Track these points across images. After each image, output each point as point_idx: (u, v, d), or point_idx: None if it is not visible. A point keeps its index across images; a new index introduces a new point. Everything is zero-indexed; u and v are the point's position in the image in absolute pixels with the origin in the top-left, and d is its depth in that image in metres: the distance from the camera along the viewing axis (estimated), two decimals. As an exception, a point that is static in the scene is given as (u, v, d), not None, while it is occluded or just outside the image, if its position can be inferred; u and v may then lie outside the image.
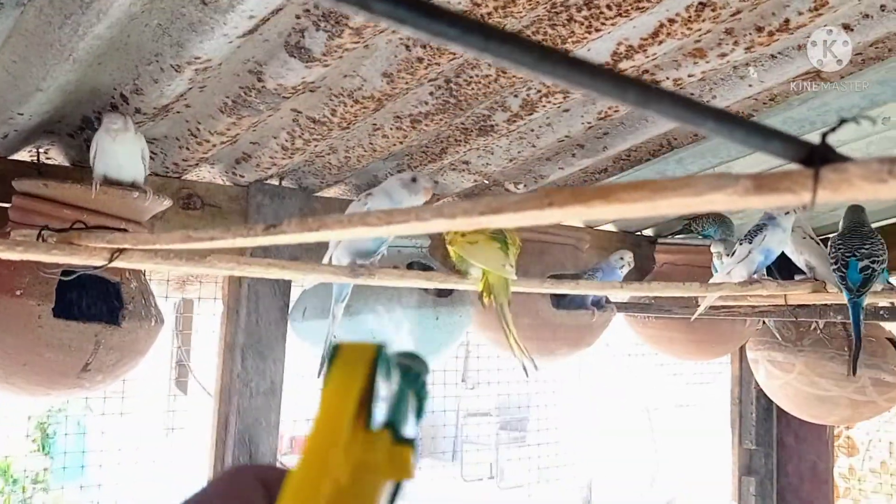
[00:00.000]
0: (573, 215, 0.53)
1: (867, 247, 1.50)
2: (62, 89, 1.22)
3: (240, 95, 1.31)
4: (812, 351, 2.24)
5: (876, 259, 1.49)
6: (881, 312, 1.70)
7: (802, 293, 1.64)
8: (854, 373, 1.65)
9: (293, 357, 1.73)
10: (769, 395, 2.41)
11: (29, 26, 1.07)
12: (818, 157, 0.46)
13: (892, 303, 1.67)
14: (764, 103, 1.63)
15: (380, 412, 0.27)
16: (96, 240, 0.82)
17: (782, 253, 1.80)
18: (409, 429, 0.29)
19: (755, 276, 1.60)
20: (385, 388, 0.28)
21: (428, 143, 1.66)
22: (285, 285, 1.69)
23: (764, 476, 2.66)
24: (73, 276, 1.14)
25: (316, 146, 1.53)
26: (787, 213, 1.58)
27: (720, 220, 2.17)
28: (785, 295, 1.67)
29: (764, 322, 2.28)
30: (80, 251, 0.82)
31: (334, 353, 0.28)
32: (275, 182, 1.72)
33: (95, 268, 0.86)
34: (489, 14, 1.13)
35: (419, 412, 0.30)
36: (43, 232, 0.85)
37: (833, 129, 0.48)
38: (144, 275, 1.33)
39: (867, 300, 1.53)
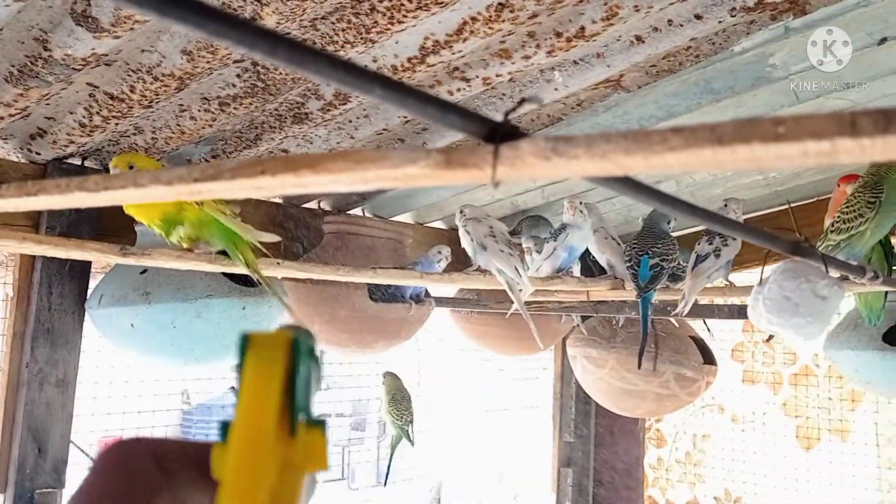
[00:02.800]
0: (285, 185, 0.53)
1: (659, 246, 1.61)
2: None
3: (26, 65, 1.23)
4: (623, 347, 2.37)
5: (666, 258, 1.60)
6: (668, 308, 1.82)
7: (602, 290, 1.73)
8: (640, 366, 1.76)
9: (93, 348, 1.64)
10: (585, 390, 2.52)
11: None
12: (499, 135, 0.48)
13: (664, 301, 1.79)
14: (573, 108, 1.70)
15: (299, 401, 0.27)
16: None
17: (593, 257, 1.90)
18: (315, 409, 0.29)
19: (561, 272, 1.68)
20: (301, 376, 0.27)
21: (242, 129, 1.62)
22: (83, 270, 1.60)
23: (581, 467, 2.79)
24: None
25: (117, 124, 1.46)
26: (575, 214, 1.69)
27: (537, 221, 2.26)
28: (587, 291, 1.75)
29: (584, 318, 2.39)
30: None
31: (245, 345, 0.27)
32: (76, 162, 1.62)
33: None
34: (288, -3, 1.12)
35: (318, 388, 0.30)
36: None
37: (514, 109, 0.50)
38: None
39: (656, 297, 1.64)
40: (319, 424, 0.28)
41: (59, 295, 1.56)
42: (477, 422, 7.00)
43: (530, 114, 1.70)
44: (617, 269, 1.73)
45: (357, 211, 2.20)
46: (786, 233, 1.93)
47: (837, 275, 1.21)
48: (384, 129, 1.67)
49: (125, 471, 0.28)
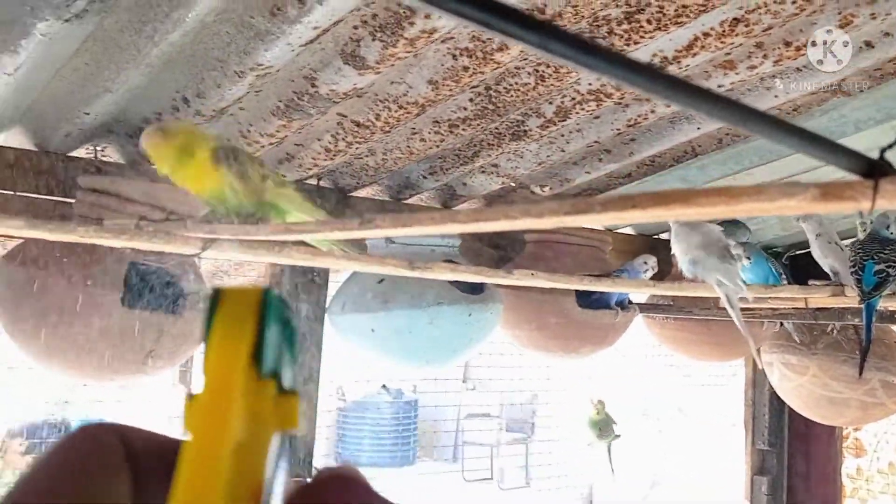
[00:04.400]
0: (653, 216, 0.60)
1: (886, 252, 1.57)
2: (130, 91, 1.29)
3: (292, 100, 1.38)
4: (825, 354, 2.31)
5: (893, 265, 1.56)
6: (895, 315, 1.77)
7: (822, 296, 1.71)
8: (861, 373, 1.72)
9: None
10: (782, 397, 2.47)
11: (107, 31, 1.14)
12: (878, 170, 0.53)
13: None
14: (787, 113, 1.69)
15: (268, 361, 0.26)
16: (194, 229, 0.89)
17: (798, 258, 1.87)
18: (289, 379, 0.27)
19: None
20: (271, 336, 0.26)
21: (461, 147, 1.73)
22: (324, 278, 1.75)
23: (775, 476, 2.73)
24: (140, 268, 1.21)
25: (357, 149, 1.59)
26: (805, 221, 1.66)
27: (738, 225, 2.24)
28: (805, 298, 1.74)
29: (782, 324, 2.35)
30: (176, 240, 0.89)
31: (216, 299, 0.26)
32: (313, 182, 1.78)
33: (189, 256, 0.93)
34: (536, 27, 1.20)
35: (294, 360, 0.28)
36: (140, 222, 0.92)
37: (891, 146, 0.55)
38: (199, 267, 1.40)
39: (881, 304, 1.60)
40: (293, 392, 0.27)
41: (305, 302, 1.72)
42: (647, 427, 6.89)
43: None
44: (841, 274, 1.70)
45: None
46: None
47: None
48: (595, 142, 1.73)
49: (88, 449, 0.27)
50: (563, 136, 1.73)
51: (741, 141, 1.81)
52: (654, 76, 0.45)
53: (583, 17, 1.19)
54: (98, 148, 1.53)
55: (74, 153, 1.53)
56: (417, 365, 1.65)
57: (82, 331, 1.21)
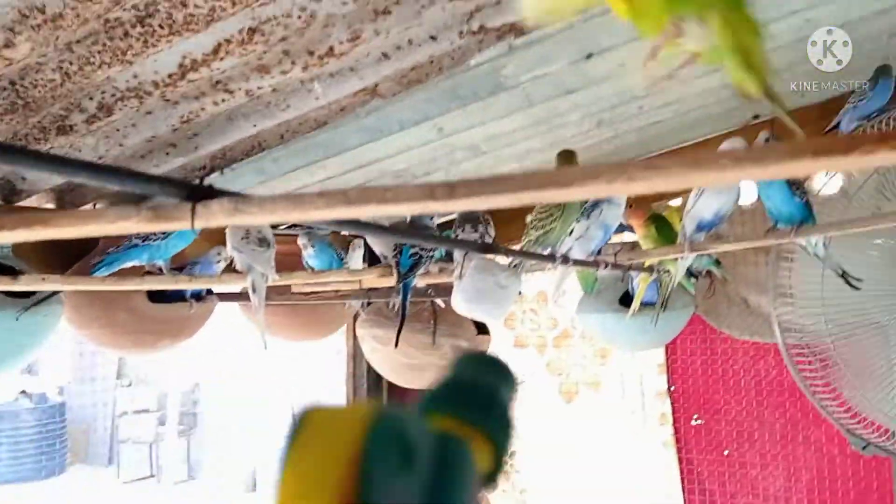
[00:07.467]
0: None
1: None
2: None
3: None
4: (405, 326, 2.58)
5: (424, 248, 1.80)
6: (428, 291, 2.03)
7: (373, 278, 1.91)
8: (396, 345, 1.96)
9: None
10: (374, 366, 2.71)
11: None
12: (196, 195, 0.62)
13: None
14: (336, 113, 1.85)
15: None
16: None
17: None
18: None
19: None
20: (378, 473, 0.18)
21: (6, 141, 1.62)
22: None
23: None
24: None
25: None
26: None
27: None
28: (360, 280, 1.93)
29: (369, 303, 2.57)
30: None
31: (301, 422, 0.19)
32: None
33: None
34: (38, 26, 1.17)
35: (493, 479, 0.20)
36: None
37: (209, 173, 0.64)
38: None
39: (416, 282, 1.85)
40: None
41: None
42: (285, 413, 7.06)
43: (296, 118, 1.83)
44: (389, 258, 1.92)
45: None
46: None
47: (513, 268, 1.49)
48: (153, 137, 1.73)
49: None
50: (117, 130, 1.70)
51: (301, 137, 1.94)
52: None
53: (88, 19, 1.19)
54: None
55: None
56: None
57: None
